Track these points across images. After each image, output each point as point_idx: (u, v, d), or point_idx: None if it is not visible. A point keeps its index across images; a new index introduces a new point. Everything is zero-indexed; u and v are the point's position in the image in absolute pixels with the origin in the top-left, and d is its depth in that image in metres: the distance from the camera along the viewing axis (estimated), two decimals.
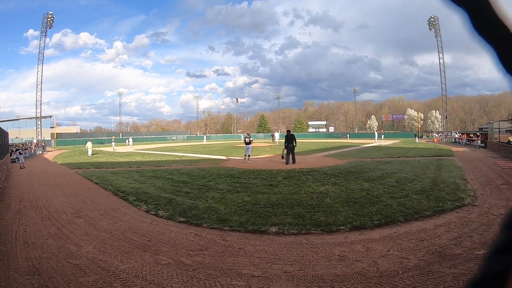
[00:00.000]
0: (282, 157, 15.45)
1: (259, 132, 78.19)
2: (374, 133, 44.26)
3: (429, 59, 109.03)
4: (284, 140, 15.62)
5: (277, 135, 41.29)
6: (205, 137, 58.90)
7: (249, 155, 17.14)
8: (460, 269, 3.77)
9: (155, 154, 24.94)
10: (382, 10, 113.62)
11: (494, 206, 6.68)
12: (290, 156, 15.10)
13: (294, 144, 15.13)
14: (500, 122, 27.76)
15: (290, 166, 14.25)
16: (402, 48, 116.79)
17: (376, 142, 37.34)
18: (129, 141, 42.49)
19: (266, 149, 26.41)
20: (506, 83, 0.28)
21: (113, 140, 36.27)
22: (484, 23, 0.26)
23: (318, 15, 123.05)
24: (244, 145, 17.50)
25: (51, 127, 60.44)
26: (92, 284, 3.69)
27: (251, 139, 17.30)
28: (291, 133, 15.83)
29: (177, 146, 39.55)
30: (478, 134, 32.18)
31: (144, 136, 65.50)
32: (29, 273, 3.99)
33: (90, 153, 25.68)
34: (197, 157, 21.22)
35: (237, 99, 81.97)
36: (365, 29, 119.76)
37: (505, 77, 0.27)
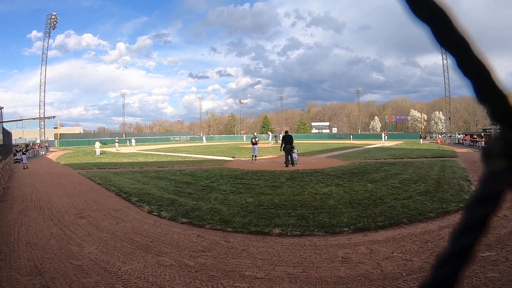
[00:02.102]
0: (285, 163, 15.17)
1: (262, 133, 78.29)
2: (382, 134, 44.10)
3: (431, 60, 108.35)
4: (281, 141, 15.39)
5: (270, 135, 44.00)
6: (204, 137, 58.48)
7: (255, 156, 17.10)
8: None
9: (158, 154, 24.99)
10: (383, 11, 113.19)
11: None
12: (288, 157, 14.86)
13: (291, 145, 14.71)
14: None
15: (292, 167, 14.12)
16: (404, 49, 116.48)
17: (383, 143, 37.34)
18: (131, 142, 42.72)
19: (269, 150, 26.35)
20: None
21: (116, 141, 36.44)
22: (445, 36, 0.31)
23: (319, 16, 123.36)
24: (251, 145, 17.56)
25: (54, 128, 60.90)
26: (94, 285, 3.67)
27: (257, 139, 17.38)
28: (289, 134, 15.51)
29: (180, 147, 39.65)
30: (482, 135, 31.96)
31: (147, 137, 65.70)
32: (31, 274, 3.99)
33: (98, 152, 25.99)
34: (200, 158, 21.22)
35: (240, 101, 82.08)
36: (367, 30, 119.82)
37: (464, 80, 0.32)
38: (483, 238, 0.32)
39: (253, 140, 17.26)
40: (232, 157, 20.81)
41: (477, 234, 0.31)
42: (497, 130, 0.32)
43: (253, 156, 17.20)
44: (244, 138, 63.42)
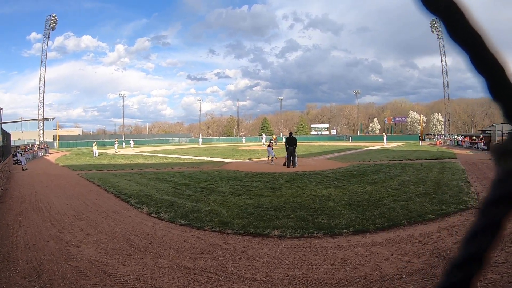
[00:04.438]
0: (285, 164, 15.33)
1: (260, 135, 78.56)
2: (384, 135, 43.98)
3: (429, 62, 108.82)
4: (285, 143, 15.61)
5: (264, 137, 45.64)
6: (200, 139, 58.21)
7: (272, 157, 17.15)
8: None
9: (157, 156, 24.97)
10: (381, 13, 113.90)
11: None
12: (291, 158, 15.01)
13: (295, 147, 14.98)
14: (503, 124, 27.59)
15: (291, 169, 14.19)
16: (402, 51, 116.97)
17: (384, 145, 37.32)
18: (129, 143, 42.77)
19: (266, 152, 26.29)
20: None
21: (116, 142, 36.41)
22: (457, 30, 0.30)
23: (317, 18, 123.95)
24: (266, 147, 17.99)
25: (53, 129, 60.65)
26: (92, 287, 3.66)
27: (272, 142, 18.19)
28: (293, 135, 15.74)
29: (180, 148, 39.63)
30: (481, 136, 32.01)
31: (147, 139, 65.66)
32: (29, 275, 3.97)
33: (96, 154, 26.01)
34: (199, 159, 21.21)
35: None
36: (365, 32, 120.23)
37: (477, 77, 0.30)
38: (498, 242, 0.30)
39: (271, 142, 17.79)
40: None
41: (491, 238, 0.30)
42: (510, 129, 0.31)
43: (271, 157, 17.15)
44: (243, 140, 63.44)
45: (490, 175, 11.72)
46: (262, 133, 57.48)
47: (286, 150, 15.20)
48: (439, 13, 0.31)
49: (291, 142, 14.97)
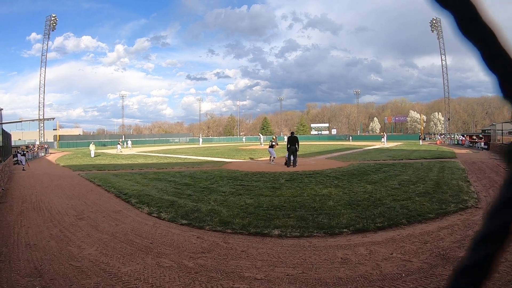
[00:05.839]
0: (285, 164, 15.32)
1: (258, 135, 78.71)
2: (384, 136, 43.96)
3: (429, 61, 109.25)
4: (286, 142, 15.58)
5: (261, 137, 45.75)
6: (200, 139, 58.01)
7: (273, 157, 17.06)
8: None
9: (158, 156, 24.98)
10: (380, 13, 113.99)
11: None
12: (291, 158, 15.01)
13: (297, 146, 15.00)
14: (503, 123, 27.61)
15: (291, 168, 14.19)
16: (401, 50, 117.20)
17: (385, 144, 37.31)
18: (128, 143, 42.75)
19: (266, 152, 26.31)
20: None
21: (119, 142, 36.35)
22: (469, 25, 0.28)
23: (316, 18, 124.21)
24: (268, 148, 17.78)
25: (54, 129, 60.76)
26: (93, 286, 3.67)
27: (274, 143, 17.83)
28: (295, 135, 15.72)
29: (180, 148, 39.64)
30: (481, 136, 32.04)
31: (147, 139, 65.67)
32: (31, 275, 3.99)
33: (93, 154, 25.92)
34: (199, 159, 21.22)
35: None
36: (364, 32, 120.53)
37: (488, 74, 0.29)
38: (507, 246, 0.29)
39: (271, 142, 17.53)
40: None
41: (500, 241, 0.29)
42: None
43: (272, 157, 17.05)
44: (244, 139, 63.44)
45: (489, 174, 11.74)
46: (260, 133, 57.60)
47: (288, 150, 15.20)
48: (450, 7, 0.29)
49: (292, 142, 14.95)
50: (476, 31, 0.29)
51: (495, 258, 0.29)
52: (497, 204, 0.29)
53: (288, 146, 15.12)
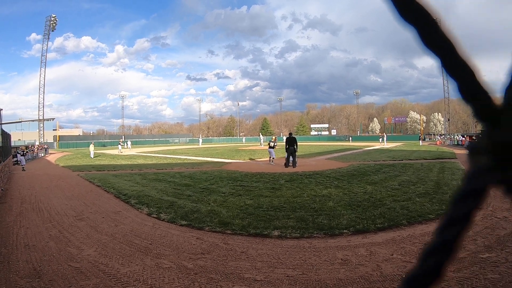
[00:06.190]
0: (285, 165, 15.26)
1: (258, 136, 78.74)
2: (383, 136, 43.91)
3: (428, 62, 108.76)
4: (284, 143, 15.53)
5: (261, 137, 45.83)
6: (200, 140, 57.91)
7: (273, 158, 17.00)
8: (464, 273, 3.71)
9: (157, 157, 24.96)
10: (380, 13, 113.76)
11: (497, 209, 6.60)
12: (290, 159, 14.99)
13: (295, 147, 14.99)
14: None
15: (291, 169, 14.17)
16: (401, 51, 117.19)
17: (385, 145, 37.33)
18: (127, 144, 42.69)
19: (266, 152, 26.32)
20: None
21: (120, 143, 36.33)
22: (430, 38, 0.31)
23: (316, 18, 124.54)
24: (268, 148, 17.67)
25: (53, 130, 60.70)
26: (92, 287, 3.66)
27: (275, 144, 17.66)
28: (293, 136, 15.71)
29: (180, 149, 39.62)
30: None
31: (147, 139, 65.64)
32: (29, 276, 3.97)
33: (92, 155, 25.91)
34: (199, 160, 21.21)
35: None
36: (364, 32, 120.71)
37: (449, 80, 0.32)
38: (467, 233, 0.33)
39: (271, 143, 17.40)
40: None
41: (460, 229, 0.32)
42: (481, 129, 0.33)
43: (272, 158, 17.01)
44: (244, 140, 63.47)
45: None
46: (260, 134, 57.73)
47: (286, 151, 15.17)
48: (413, 22, 0.32)
49: (291, 143, 14.94)
50: (436, 43, 0.32)
51: (458, 241, 0.32)
52: (459, 194, 0.33)
53: (287, 147, 15.09)
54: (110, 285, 3.71)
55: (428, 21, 0.32)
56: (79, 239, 5.45)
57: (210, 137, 79.59)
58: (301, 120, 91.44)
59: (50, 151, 37.48)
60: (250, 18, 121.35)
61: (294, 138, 15.30)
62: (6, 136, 17.34)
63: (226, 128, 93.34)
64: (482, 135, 0.32)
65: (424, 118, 72.74)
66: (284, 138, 41.57)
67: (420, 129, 61.05)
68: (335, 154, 23.75)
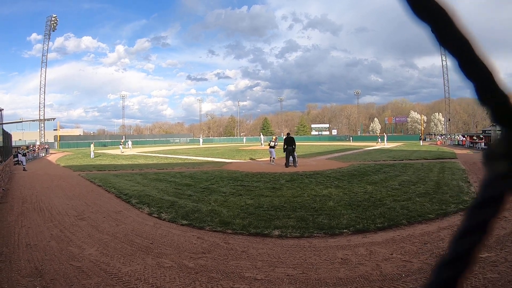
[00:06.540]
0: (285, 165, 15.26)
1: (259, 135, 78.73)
2: (384, 136, 43.82)
3: (429, 62, 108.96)
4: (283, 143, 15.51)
5: (262, 137, 45.84)
6: (201, 140, 57.90)
7: (273, 158, 16.96)
8: None
9: (158, 156, 24.98)
10: (380, 13, 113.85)
11: None
12: (290, 159, 15.01)
13: (294, 147, 14.99)
14: None
15: (292, 169, 14.19)
16: (401, 51, 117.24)
17: (385, 145, 37.31)
18: (128, 144, 42.69)
19: (267, 152, 26.34)
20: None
21: (122, 143, 36.33)
22: (446, 36, 0.30)
23: (316, 18, 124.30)
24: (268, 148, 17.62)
25: (54, 130, 60.74)
26: (94, 286, 3.68)
27: (275, 143, 17.60)
28: (291, 136, 15.70)
29: (180, 149, 39.64)
30: (482, 136, 32.03)
31: (147, 139, 65.67)
32: (31, 275, 4.00)
33: (92, 155, 25.90)
34: (200, 160, 21.23)
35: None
36: (364, 32, 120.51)
37: (465, 81, 0.31)
38: (484, 242, 0.31)
39: (271, 143, 17.36)
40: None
41: (477, 239, 0.30)
42: (499, 132, 0.31)
43: (272, 158, 16.96)
44: (244, 140, 63.49)
45: None
46: (261, 134, 57.77)
47: (284, 151, 15.18)
48: (428, 19, 0.31)
49: (289, 143, 14.96)
50: (453, 41, 0.30)
51: (475, 253, 0.30)
52: (476, 203, 0.31)
53: (285, 147, 15.10)
54: (111, 284, 3.73)
55: (443, 18, 0.30)
56: (80, 238, 5.48)
57: (210, 137, 79.56)
58: (302, 120, 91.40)
59: (50, 151, 37.52)
60: (251, 18, 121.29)
61: (292, 138, 15.32)
62: (7, 136, 17.39)
63: (227, 128, 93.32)
64: (499, 139, 0.31)
65: (425, 118, 72.68)
66: (262, 137, 41.92)
67: (421, 129, 61.04)
68: (336, 154, 23.76)
